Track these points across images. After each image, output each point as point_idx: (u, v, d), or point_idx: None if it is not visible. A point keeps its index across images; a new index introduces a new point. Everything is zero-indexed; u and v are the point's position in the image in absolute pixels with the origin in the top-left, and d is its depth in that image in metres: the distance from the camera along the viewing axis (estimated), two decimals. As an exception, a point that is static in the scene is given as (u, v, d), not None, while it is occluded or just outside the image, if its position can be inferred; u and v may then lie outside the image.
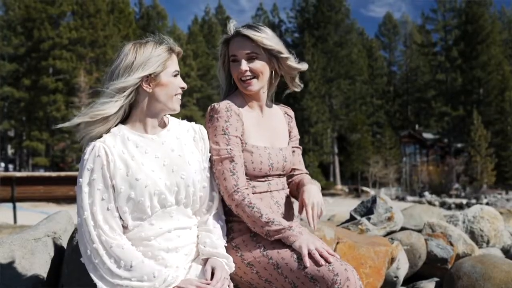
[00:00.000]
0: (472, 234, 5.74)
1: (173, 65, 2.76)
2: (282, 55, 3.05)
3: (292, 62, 3.10)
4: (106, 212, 2.58)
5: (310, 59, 64.75)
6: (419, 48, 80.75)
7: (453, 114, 73.21)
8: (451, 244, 4.98)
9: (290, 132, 3.29)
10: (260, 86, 3.06)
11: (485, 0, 73.94)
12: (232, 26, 3.06)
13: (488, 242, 5.79)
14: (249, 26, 3.04)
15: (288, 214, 3.06)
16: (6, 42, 52.83)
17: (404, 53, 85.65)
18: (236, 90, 3.14)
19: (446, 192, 63.15)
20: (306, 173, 3.32)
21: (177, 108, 2.78)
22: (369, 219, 4.89)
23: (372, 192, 59.15)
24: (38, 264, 3.34)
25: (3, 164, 57.95)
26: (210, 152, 2.90)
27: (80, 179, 2.61)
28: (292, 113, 3.38)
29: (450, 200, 51.06)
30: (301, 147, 3.37)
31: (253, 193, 2.93)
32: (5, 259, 3.28)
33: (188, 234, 2.75)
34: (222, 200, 2.94)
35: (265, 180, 3.02)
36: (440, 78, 76.76)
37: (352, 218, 5.09)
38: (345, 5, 72.02)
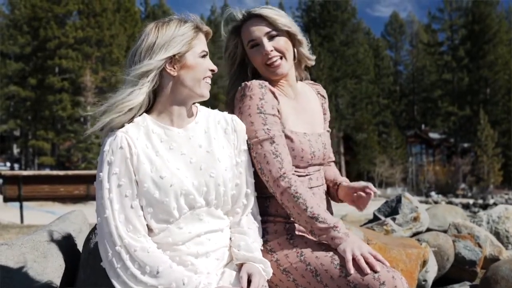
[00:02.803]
0: (497, 235, 5.53)
1: (200, 45, 2.51)
2: (298, 37, 2.83)
3: (305, 49, 2.89)
4: (129, 210, 2.33)
5: (317, 58, 64.36)
6: (425, 47, 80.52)
7: (459, 113, 73.03)
8: (479, 246, 4.77)
9: (324, 114, 3.02)
10: (289, 66, 2.81)
11: (492, -1, 73.63)
12: (238, 12, 2.82)
13: (513, 244, 5.58)
14: (257, 7, 2.80)
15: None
16: (12, 41, 52.68)
17: (410, 53, 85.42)
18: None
19: (452, 192, 63.00)
20: (333, 161, 3.07)
21: (205, 94, 2.53)
22: (394, 219, 4.70)
23: (378, 192, 58.86)
24: (51, 268, 3.11)
25: (8, 164, 57.96)
26: (248, 135, 2.63)
27: (100, 173, 2.36)
28: (324, 93, 3.12)
29: (456, 200, 50.87)
30: (330, 130, 3.08)
31: None
32: (16, 263, 3.05)
33: (220, 237, 2.49)
34: (257, 198, 2.68)
35: (306, 175, 2.75)
36: (446, 77, 76.53)
37: (375, 218, 4.88)
38: (351, 4, 71.79)
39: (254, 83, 2.66)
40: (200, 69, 2.49)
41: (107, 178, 2.34)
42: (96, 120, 2.47)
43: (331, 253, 2.48)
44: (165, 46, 2.41)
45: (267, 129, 2.60)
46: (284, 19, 2.76)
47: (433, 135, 77.82)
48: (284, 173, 2.56)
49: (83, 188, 20.02)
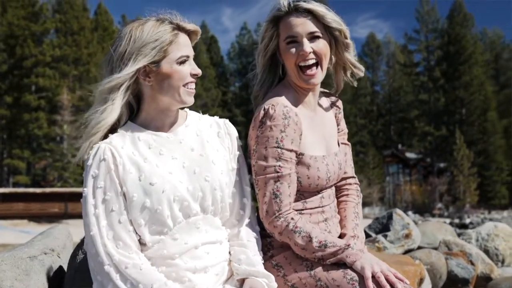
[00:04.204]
0: (486, 253, 5.44)
1: (180, 49, 2.28)
2: (345, 40, 2.55)
3: (351, 54, 2.60)
4: (118, 226, 2.16)
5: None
6: (402, 68, 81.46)
7: (435, 133, 73.84)
8: (472, 264, 4.67)
9: (337, 126, 2.79)
10: (323, 76, 2.54)
11: (467, 21, 74.72)
12: (285, 1, 2.49)
13: (503, 262, 5.49)
14: (305, 1, 2.49)
15: (336, 231, 2.62)
16: (-12, 59, 52.34)
17: (387, 73, 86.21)
18: (282, 81, 2.61)
19: (429, 212, 63.44)
20: (354, 178, 2.86)
21: (187, 101, 2.32)
22: (385, 236, 4.58)
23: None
24: (33, 286, 2.92)
25: (-17, 183, 57.24)
26: (254, 168, 2.43)
27: (85, 189, 2.19)
28: (339, 104, 2.85)
29: (433, 220, 51.10)
30: (349, 144, 2.86)
31: (302, 210, 2.50)
32: (-5, 281, 2.88)
33: (219, 250, 2.31)
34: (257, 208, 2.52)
35: (319, 193, 2.56)
36: (422, 98, 77.46)
37: (366, 235, 4.77)
38: (329, 25, 72.41)
39: (278, 112, 2.39)
40: (178, 77, 2.28)
41: (92, 193, 2.19)
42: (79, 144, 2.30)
43: (343, 267, 2.32)
44: (133, 56, 2.22)
45: (279, 166, 2.39)
46: (334, 16, 2.50)
47: (410, 155, 78.42)
48: (280, 214, 2.38)
49: (60, 206, 19.79)
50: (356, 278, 2.26)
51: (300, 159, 2.47)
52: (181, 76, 2.28)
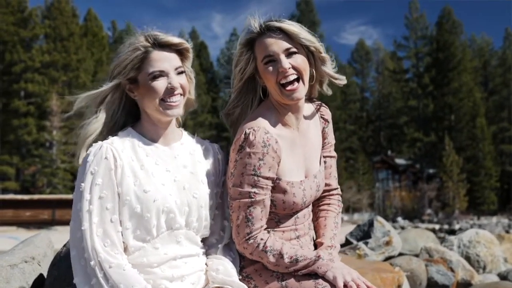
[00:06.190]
0: (467, 260, 5.50)
1: (152, 65, 2.35)
2: (321, 55, 2.56)
3: (328, 67, 2.61)
4: (109, 224, 2.23)
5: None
6: (391, 74, 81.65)
7: (425, 140, 74.00)
8: (452, 270, 4.73)
9: (324, 139, 2.79)
10: (305, 91, 2.53)
11: (456, 28, 75.11)
12: (256, 22, 2.49)
13: (484, 268, 5.54)
14: (277, 20, 2.50)
15: (308, 247, 2.64)
16: (-23, 64, 52.15)
17: (376, 80, 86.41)
18: (263, 102, 2.62)
19: (418, 218, 63.50)
20: (337, 189, 2.87)
21: (169, 114, 2.38)
22: (366, 243, 4.64)
23: (345, 217, 59.11)
24: (14, 294, 2.97)
25: (-29, 189, 56.89)
26: (229, 191, 2.45)
27: (82, 184, 2.25)
28: (329, 116, 2.82)
29: (422, 226, 51.23)
30: (335, 155, 2.86)
31: (275, 228, 2.54)
32: (-24, 289, 2.91)
33: (196, 261, 2.40)
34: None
35: (294, 214, 2.59)
36: (412, 104, 77.68)
37: (347, 243, 4.82)
38: (319, 31, 72.51)
39: (258, 139, 2.39)
40: (152, 93, 2.34)
41: (89, 189, 2.24)
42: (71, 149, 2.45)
43: (314, 277, 2.36)
44: (113, 73, 2.37)
45: (254, 192, 2.40)
46: (306, 34, 2.50)
47: (399, 161, 78.57)
48: (250, 236, 2.42)
49: (48, 213, 19.73)
50: (328, 287, 2.30)
51: (276, 184, 2.49)
52: (155, 92, 2.35)
